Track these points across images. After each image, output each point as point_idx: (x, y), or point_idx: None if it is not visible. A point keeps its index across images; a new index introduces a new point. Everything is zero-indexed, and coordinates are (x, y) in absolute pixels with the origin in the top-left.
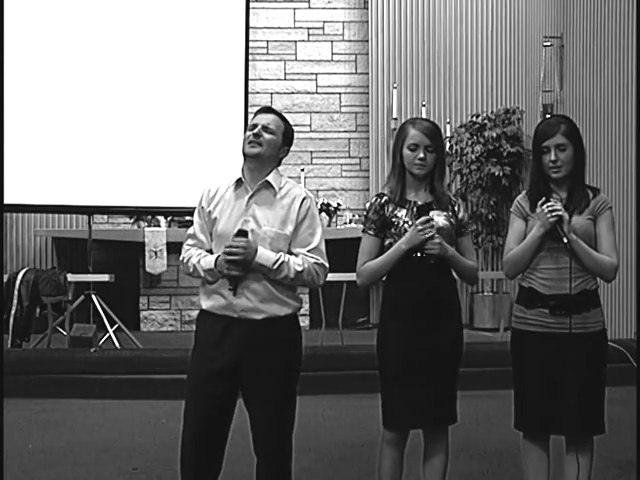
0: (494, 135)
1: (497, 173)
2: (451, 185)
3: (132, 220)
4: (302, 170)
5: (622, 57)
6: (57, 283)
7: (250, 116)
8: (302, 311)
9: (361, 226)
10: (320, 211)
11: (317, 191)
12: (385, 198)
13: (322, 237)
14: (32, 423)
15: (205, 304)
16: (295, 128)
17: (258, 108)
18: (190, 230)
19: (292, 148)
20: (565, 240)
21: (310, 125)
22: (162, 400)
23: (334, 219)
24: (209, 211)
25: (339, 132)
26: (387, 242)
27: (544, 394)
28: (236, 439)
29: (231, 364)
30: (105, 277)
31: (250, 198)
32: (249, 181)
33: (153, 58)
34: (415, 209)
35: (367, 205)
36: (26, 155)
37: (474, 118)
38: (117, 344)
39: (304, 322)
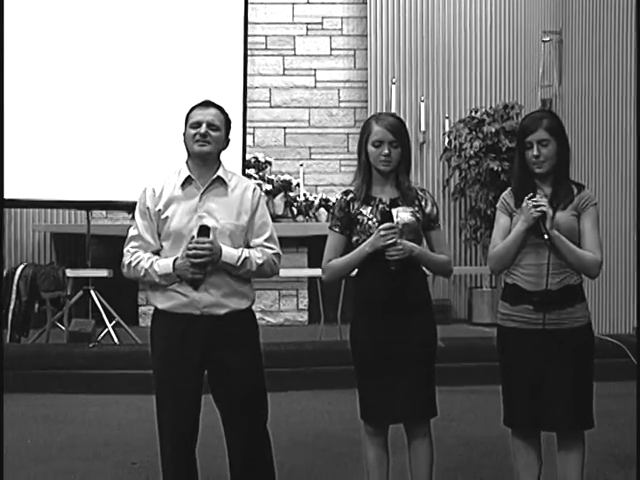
0: (493, 130)
1: (496, 168)
2: (450, 180)
3: (131, 215)
4: (301, 165)
5: (621, 52)
6: (56, 278)
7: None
8: (301, 306)
9: None
10: (319, 206)
11: (316, 186)
12: (351, 195)
13: (273, 225)
14: (31, 418)
15: (162, 304)
16: (294, 123)
17: (196, 103)
18: (132, 232)
19: (291, 143)
20: (546, 236)
21: (309, 120)
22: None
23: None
24: (158, 210)
25: (338, 127)
26: (354, 239)
27: (531, 391)
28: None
29: (196, 363)
30: (104, 272)
31: (202, 194)
32: (198, 177)
33: (151, 53)
34: (378, 214)
35: (334, 202)
36: (24, 150)
37: (473, 113)
38: (116, 339)
39: (303, 317)
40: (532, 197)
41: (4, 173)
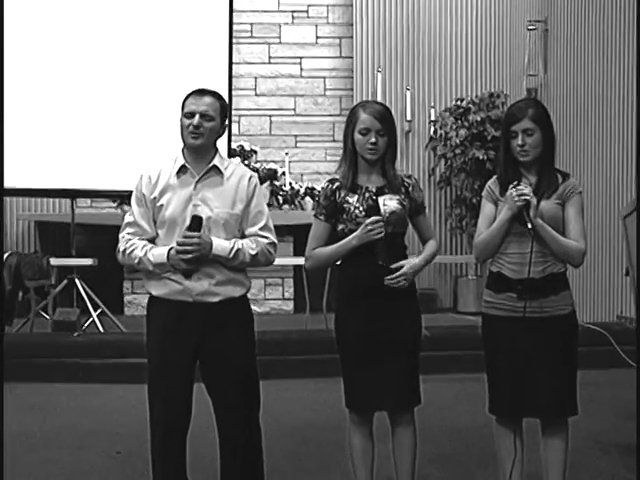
0: (478, 119)
1: (481, 157)
2: (435, 169)
3: (116, 204)
4: (286, 154)
5: (606, 40)
6: (40, 267)
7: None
8: (286, 295)
9: None
10: (304, 195)
11: (301, 175)
12: (337, 184)
13: (268, 213)
14: (15, 407)
15: (157, 291)
16: (279, 112)
17: (190, 91)
18: (128, 218)
19: (277, 132)
20: (529, 225)
21: (294, 109)
22: (146, 384)
23: None
24: (154, 198)
25: (323, 116)
26: (339, 227)
27: (515, 378)
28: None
29: (190, 350)
30: (88, 261)
31: (197, 182)
32: (193, 166)
33: (137, 42)
34: (365, 205)
35: (319, 190)
36: (9, 139)
37: (458, 102)
38: (101, 328)
39: (289, 306)
40: (516, 185)
41: (3, 164)
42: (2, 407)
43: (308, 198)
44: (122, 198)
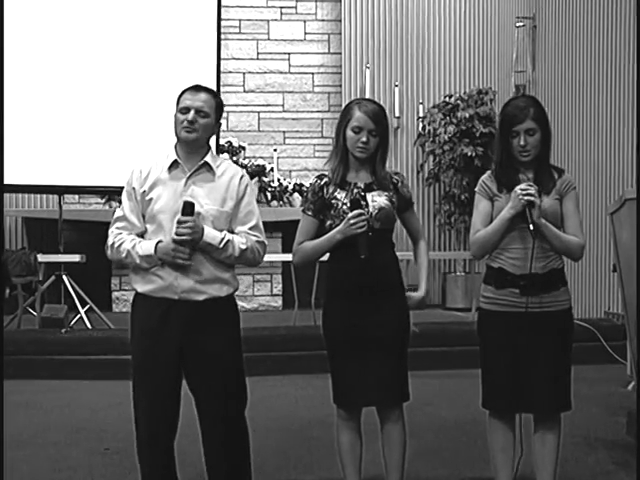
0: (467, 116)
1: (470, 154)
2: (424, 165)
3: (103, 200)
4: (275, 150)
5: (594, 37)
6: (27, 263)
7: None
8: (275, 291)
9: None
10: (293, 191)
11: (290, 171)
12: (325, 180)
13: (259, 214)
14: (2, 404)
15: (142, 288)
16: (268, 108)
17: (186, 87)
18: (118, 212)
19: (265, 128)
20: (531, 227)
21: (283, 105)
22: None
23: None
24: (143, 191)
25: (312, 112)
26: (327, 223)
27: (511, 373)
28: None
29: (174, 348)
30: (76, 257)
31: (188, 178)
32: (185, 161)
33: (125, 38)
34: (348, 201)
35: (308, 186)
36: None
37: (447, 99)
38: (88, 325)
39: (277, 302)
40: (522, 184)
41: (3, 160)
42: (2, 406)
43: (296, 194)
44: (110, 194)
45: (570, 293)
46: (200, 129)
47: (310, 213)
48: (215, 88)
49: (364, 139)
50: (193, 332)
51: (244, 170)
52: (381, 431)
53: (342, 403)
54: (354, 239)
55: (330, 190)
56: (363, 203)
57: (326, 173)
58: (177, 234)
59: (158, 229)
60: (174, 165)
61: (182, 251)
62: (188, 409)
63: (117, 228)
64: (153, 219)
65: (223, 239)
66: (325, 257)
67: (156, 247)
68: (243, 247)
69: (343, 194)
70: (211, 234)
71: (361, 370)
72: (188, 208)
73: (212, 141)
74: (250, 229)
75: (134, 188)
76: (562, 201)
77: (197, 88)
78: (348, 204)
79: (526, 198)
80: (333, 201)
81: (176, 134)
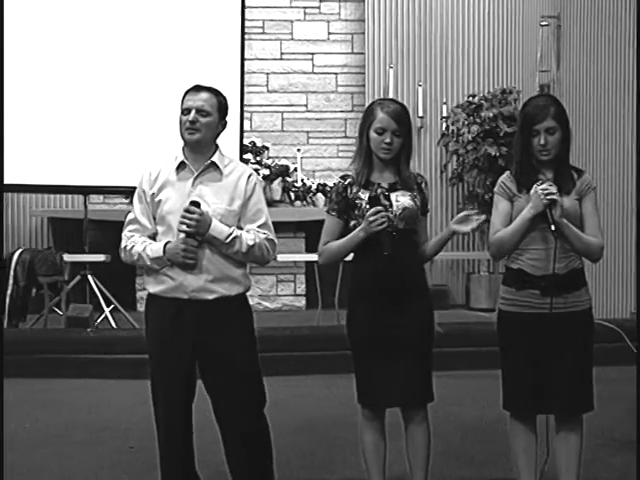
0: (491, 115)
1: (494, 153)
2: (447, 165)
3: (128, 200)
4: (298, 150)
5: (619, 36)
6: (53, 263)
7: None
8: (298, 291)
9: None
10: (316, 191)
11: (313, 171)
12: (349, 180)
13: (268, 213)
14: (29, 403)
15: (154, 288)
16: (291, 108)
17: (188, 88)
18: (130, 215)
19: (288, 128)
20: (553, 227)
21: (306, 105)
22: None
23: None
24: (152, 193)
25: (335, 112)
26: (352, 223)
27: (532, 374)
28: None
29: (187, 348)
30: (101, 257)
31: (196, 178)
32: (192, 162)
33: (149, 38)
34: (367, 200)
35: (331, 186)
36: (22, 135)
37: (471, 98)
38: (113, 324)
39: (300, 302)
40: (542, 184)
41: (3, 159)
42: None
43: (320, 194)
44: (134, 194)
45: (590, 293)
46: (203, 128)
47: (334, 214)
48: (239, 88)
49: (387, 140)
50: (205, 332)
51: (252, 168)
52: (405, 431)
53: (366, 403)
54: (377, 238)
55: (354, 190)
56: (387, 203)
57: (350, 173)
58: (181, 223)
59: (168, 230)
60: (181, 166)
61: (190, 243)
62: (210, 409)
63: (129, 231)
64: (163, 220)
65: (230, 234)
66: (349, 257)
67: (164, 248)
68: (251, 243)
69: (367, 194)
70: (218, 228)
71: (386, 371)
72: (194, 206)
73: (236, 141)
74: (259, 227)
75: (144, 190)
76: (581, 201)
77: (197, 88)
78: (367, 202)
79: (548, 197)
80: (357, 201)
81: (181, 136)
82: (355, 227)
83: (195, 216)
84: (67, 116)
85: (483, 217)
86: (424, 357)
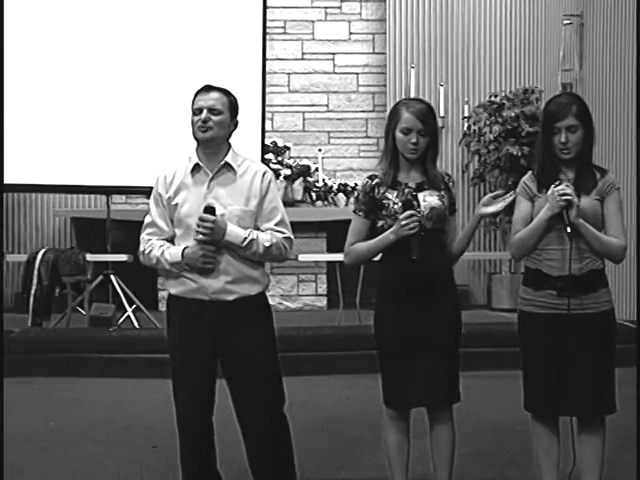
0: (512, 115)
1: (515, 153)
2: (469, 165)
3: (150, 200)
4: (319, 150)
5: None
6: (76, 263)
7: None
8: (320, 291)
9: None
10: (338, 191)
11: (334, 171)
12: (376, 180)
13: (284, 209)
14: (52, 401)
15: (174, 290)
16: (312, 108)
17: (198, 88)
18: (147, 219)
19: (310, 128)
20: (568, 229)
21: (327, 105)
22: None
23: (351, 199)
24: (169, 197)
25: (357, 112)
26: (379, 224)
27: (552, 375)
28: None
29: (208, 349)
30: (124, 257)
31: (211, 180)
32: (206, 164)
33: (170, 38)
34: (400, 202)
35: (359, 186)
36: (45, 136)
37: (492, 98)
38: (136, 324)
39: (322, 302)
40: (559, 185)
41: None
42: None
43: (341, 194)
44: (150, 197)
45: (611, 294)
46: (215, 126)
47: (361, 214)
48: (260, 88)
49: (414, 140)
50: (226, 332)
51: (265, 166)
52: (430, 431)
53: (392, 403)
54: (406, 239)
55: (381, 190)
56: (415, 204)
57: (376, 173)
58: (197, 232)
59: (186, 233)
60: (196, 168)
61: (208, 249)
62: (232, 408)
63: (147, 234)
64: (180, 223)
65: (246, 238)
66: (376, 257)
67: (183, 253)
68: (267, 244)
69: (394, 194)
70: (234, 233)
71: (412, 371)
72: (209, 212)
73: (257, 141)
74: (276, 225)
75: (160, 194)
76: (604, 202)
77: (208, 88)
78: (399, 204)
79: (564, 198)
80: (384, 201)
81: (194, 136)
82: (382, 227)
83: (209, 224)
84: (91, 117)
85: (511, 196)
86: (450, 357)
